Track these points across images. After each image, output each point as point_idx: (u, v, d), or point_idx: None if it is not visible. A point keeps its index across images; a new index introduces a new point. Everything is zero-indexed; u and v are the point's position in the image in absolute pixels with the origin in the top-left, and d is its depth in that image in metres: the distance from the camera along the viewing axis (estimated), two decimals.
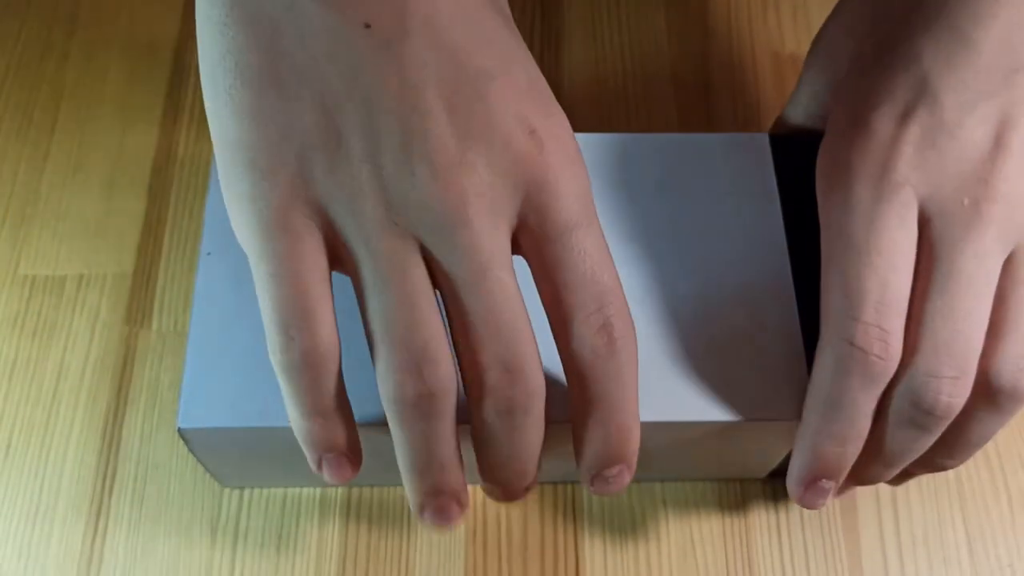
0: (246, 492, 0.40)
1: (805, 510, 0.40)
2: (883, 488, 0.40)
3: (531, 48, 0.50)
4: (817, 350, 0.32)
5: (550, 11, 0.52)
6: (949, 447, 0.32)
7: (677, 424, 0.33)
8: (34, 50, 0.50)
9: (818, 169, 0.33)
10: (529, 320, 0.29)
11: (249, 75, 0.28)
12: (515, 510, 0.40)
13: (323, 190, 0.28)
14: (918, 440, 0.31)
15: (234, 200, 0.29)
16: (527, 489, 0.32)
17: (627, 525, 0.39)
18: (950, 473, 0.41)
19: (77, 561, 0.38)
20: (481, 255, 0.28)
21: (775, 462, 0.38)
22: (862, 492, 0.40)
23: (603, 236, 0.29)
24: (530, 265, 0.29)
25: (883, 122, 0.31)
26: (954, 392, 0.29)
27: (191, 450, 0.35)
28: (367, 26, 0.27)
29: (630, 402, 0.30)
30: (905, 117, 0.31)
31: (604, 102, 0.49)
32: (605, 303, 0.29)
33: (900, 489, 0.40)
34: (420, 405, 0.28)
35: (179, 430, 0.33)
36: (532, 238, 0.29)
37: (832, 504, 0.40)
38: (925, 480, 0.40)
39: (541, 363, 0.29)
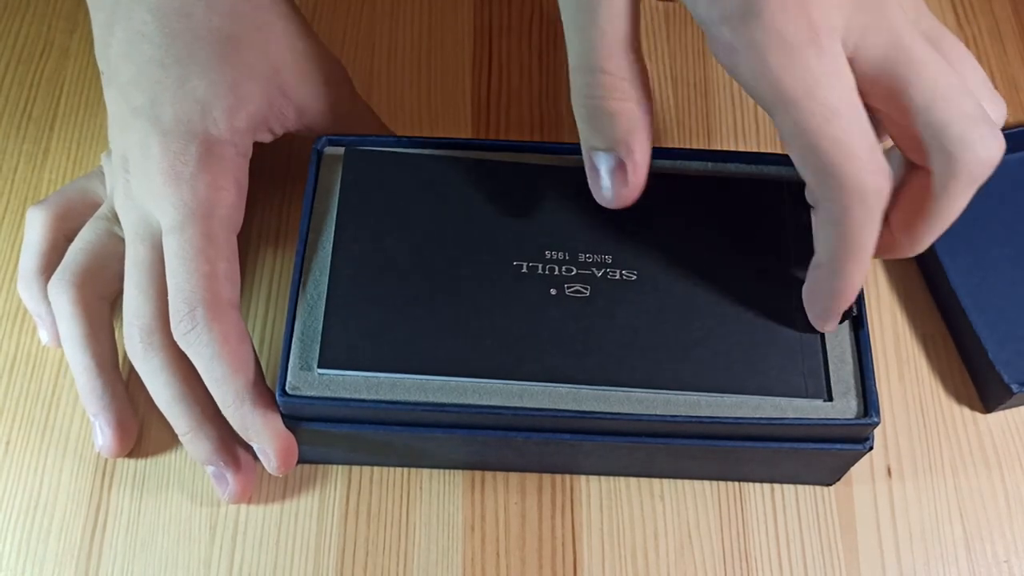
0: None
1: (802, 504, 0.40)
2: (880, 484, 0.40)
3: (530, 47, 0.51)
4: None
5: (549, 11, 0.52)
6: None
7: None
8: (34, 47, 0.50)
9: None
10: None
11: None
12: (513, 504, 0.40)
13: None
14: None
15: None
16: None
17: (625, 520, 0.40)
18: (947, 471, 0.41)
19: (76, 556, 0.38)
20: None
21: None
22: (860, 488, 0.40)
23: None
24: None
25: None
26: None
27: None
28: None
29: None
30: None
31: None
32: None
33: (897, 485, 0.40)
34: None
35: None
36: None
37: (829, 500, 0.40)
38: (922, 477, 0.41)
39: None
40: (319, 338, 0.36)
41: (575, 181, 0.39)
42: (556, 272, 0.37)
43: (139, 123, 0.37)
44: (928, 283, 0.45)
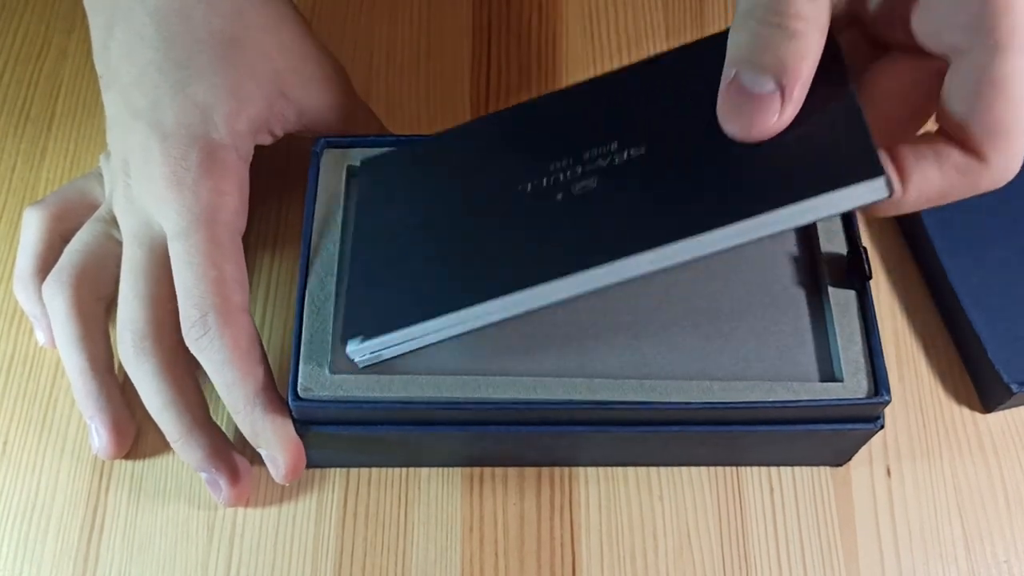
0: None
1: (801, 504, 0.40)
2: (880, 484, 0.40)
3: (529, 46, 0.50)
4: None
5: (548, 9, 0.52)
6: None
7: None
8: (32, 46, 0.50)
9: None
10: None
11: None
12: (512, 504, 0.40)
13: None
14: None
15: None
16: None
17: (623, 519, 0.40)
18: (947, 470, 0.41)
19: (73, 557, 0.38)
20: None
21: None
22: (859, 488, 0.40)
23: None
24: None
25: None
26: None
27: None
28: None
29: None
30: None
31: None
32: None
33: (897, 485, 0.40)
34: None
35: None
36: None
37: (829, 499, 0.40)
38: (922, 477, 0.41)
39: None
40: (329, 340, 0.36)
41: (574, 103, 0.38)
42: (562, 179, 0.36)
43: (140, 126, 0.37)
44: (928, 283, 0.45)
